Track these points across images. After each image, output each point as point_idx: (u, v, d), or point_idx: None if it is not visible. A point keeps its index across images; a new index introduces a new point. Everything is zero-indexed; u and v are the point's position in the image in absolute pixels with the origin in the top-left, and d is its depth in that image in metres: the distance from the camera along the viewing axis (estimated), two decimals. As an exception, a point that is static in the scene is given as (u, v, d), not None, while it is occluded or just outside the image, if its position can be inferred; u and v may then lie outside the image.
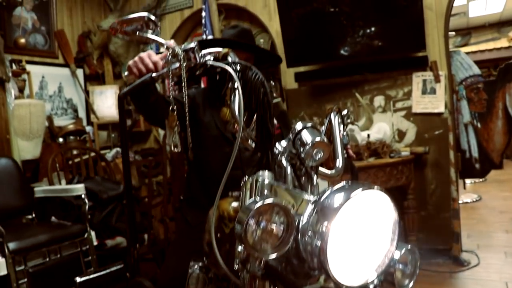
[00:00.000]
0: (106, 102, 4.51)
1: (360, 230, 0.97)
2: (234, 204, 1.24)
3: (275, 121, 2.14)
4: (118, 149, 4.14)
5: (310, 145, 1.32)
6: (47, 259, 2.68)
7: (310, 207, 0.96)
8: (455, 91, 3.73)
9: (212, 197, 1.14)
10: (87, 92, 4.51)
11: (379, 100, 3.66)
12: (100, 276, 2.71)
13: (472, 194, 5.66)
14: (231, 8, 4.24)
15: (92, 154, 3.74)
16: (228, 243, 1.14)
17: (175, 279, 1.69)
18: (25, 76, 3.84)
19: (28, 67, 3.95)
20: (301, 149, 1.33)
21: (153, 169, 3.92)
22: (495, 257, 3.45)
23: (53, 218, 3.07)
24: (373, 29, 3.48)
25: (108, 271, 2.77)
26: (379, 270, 1.01)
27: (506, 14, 8.16)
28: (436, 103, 3.47)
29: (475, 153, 3.76)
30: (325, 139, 1.34)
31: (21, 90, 3.70)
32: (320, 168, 1.40)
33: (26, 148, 3.61)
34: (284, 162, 1.33)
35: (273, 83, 3.95)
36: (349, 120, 1.94)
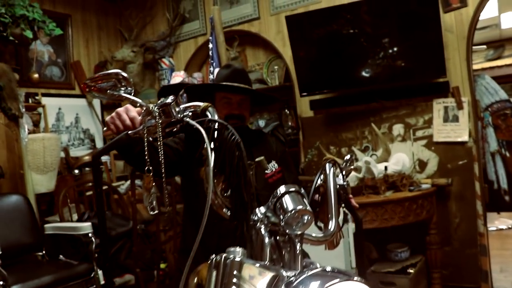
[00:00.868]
0: (123, 131, 4.50)
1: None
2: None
3: (275, 165, 2.03)
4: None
5: (291, 213, 1.21)
6: (52, 302, 2.64)
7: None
8: (480, 118, 3.52)
9: (207, 251, 1.08)
10: (103, 122, 4.52)
11: (398, 129, 3.48)
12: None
13: (507, 220, 5.31)
14: (245, 34, 4.18)
15: (105, 186, 3.71)
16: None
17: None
18: (40, 109, 3.87)
19: (44, 100, 3.98)
20: (281, 217, 1.21)
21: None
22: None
23: (61, 256, 3.03)
24: (390, 54, 3.32)
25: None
26: None
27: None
28: (459, 132, 3.27)
29: (504, 184, 3.51)
30: (308, 208, 1.22)
31: (36, 124, 3.73)
32: (307, 232, 1.27)
33: (40, 182, 3.62)
34: (262, 231, 1.21)
35: (288, 112, 3.83)
36: (352, 166, 1.81)
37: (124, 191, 3.90)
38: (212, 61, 3.11)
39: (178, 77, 3.54)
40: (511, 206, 3.66)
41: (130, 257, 3.15)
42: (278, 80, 4.00)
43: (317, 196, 1.49)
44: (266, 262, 1.14)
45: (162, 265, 3.47)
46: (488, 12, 5.66)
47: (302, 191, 1.27)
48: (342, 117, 3.70)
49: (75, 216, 3.48)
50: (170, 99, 1.30)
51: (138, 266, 3.06)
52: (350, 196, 1.70)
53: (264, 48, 4.17)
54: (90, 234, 2.93)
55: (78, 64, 4.36)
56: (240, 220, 1.17)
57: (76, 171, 4.02)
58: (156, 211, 1.36)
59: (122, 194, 3.79)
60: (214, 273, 1.08)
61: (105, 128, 1.56)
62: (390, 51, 3.32)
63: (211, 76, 3.17)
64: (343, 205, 1.62)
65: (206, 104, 1.37)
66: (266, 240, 1.19)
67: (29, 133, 3.58)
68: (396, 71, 3.34)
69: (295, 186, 1.27)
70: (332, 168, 1.52)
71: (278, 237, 1.25)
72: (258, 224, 1.22)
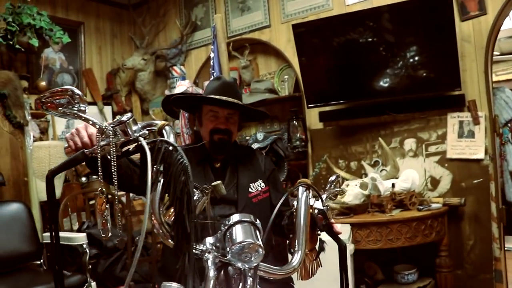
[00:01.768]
0: (134, 139, 4.48)
1: None
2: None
3: (262, 184, 1.91)
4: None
5: (238, 246, 1.10)
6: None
7: None
8: (499, 134, 3.29)
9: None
10: (115, 129, 4.50)
11: (409, 143, 3.30)
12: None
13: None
14: (256, 43, 4.08)
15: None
16: None
17: None
18: (49, 116, 3.88)
19: (54, 107, 3.99)
20: (228, 248, 1.10)
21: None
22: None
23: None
24: (402, 64, 3.15)
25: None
26: None
27: None
28: (475, 148, 3.06)
29: (523, 205, 3.27)
30: (258, 242, 1.10)
31: (43, 131, 3.74)
32: (262, 265, 1.15)
33: (45, 189, 3.61)
34: (209, 263, 1.11)
35: (296, 123, 3.70)
36: (338, 189, 1.67)
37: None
38: (212, 71, 3.02)
39: (182, 86, 3.46)
40: (531, 230, 3.40)
41: (126, 269, 3.09)
42: (288, 90, 3.88)
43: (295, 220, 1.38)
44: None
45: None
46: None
47: (258, 222, 1.16)
48: (352, 129, 3.55)
49: (77, 226, 3.46)
50: (126, 117, 1.24)
51: (134, 278, 2.99)
52: (332, 221, 1.56)
53: (276, 57, 4.06)
54: (84, 245, 2.89)
55: (90, 71, 4.37)
56: (183, 252, 1.07)
57: (83, 178, 4.01)
58: (107, 237, 1.28)
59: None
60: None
61: (66, 145, 1.51)
62: (402, 61, 3.15)
63: (211, 87, 3.08)
64: (318, 232, 1.50)
65: (163, 122, 1.32)
66: (211, 273, 1.09)
67: (35, 140, 3.58)
68: (408, 83, 3.16)
69: (249, 216, 1.16)
70: (305, 193, 1.40)
71: (227, 271, 1.14)
72: (206, 255, 1.12)
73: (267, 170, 1.99)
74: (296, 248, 1.23)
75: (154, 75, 4.43)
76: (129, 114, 1.22)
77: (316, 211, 1.46)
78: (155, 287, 1.86)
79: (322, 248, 1.49)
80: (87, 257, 2.86)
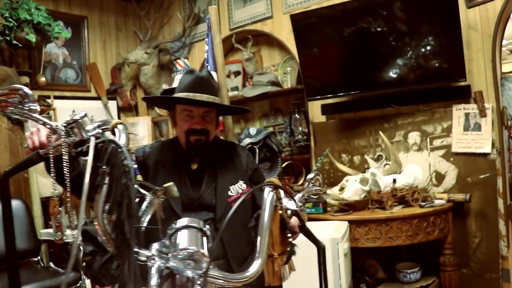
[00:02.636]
0: (139, 134, 4.46)
1: None
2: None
3: (243, 185, 1.82)
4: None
5: (180, 253, 1.03)
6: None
7: None
8: (508, 127, 3.12)
9: None
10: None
11: (414, 137, 3.17)
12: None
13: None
14: (259, 34, 3.98)
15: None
16: None
17: None
18: (51, 112, 3.88)
19: (58, 102, 3.99)
20: (170, 254, 1.04)
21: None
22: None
23: (51, 264, 3.00)
24: (406, 54, 3.01)
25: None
26: None
27: None
28: (481, 142, 2.91)
29: (534, 201, 3.10)
30: (202, 251, 1.04)
31: (44, 126, 3.73)
32: (215, 273, 1.07)
33: (46, 185, 3.62)
34: (153, 270, 1.04)
35: (298, 116, 3.60)
36: (317, 187, 1.59)
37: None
38: (207, 64, 2.94)
39: (178, 80, 3.40)
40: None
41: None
42: (290, 82, 3.78)
43: None
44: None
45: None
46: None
47: (207, 228, 1.10)
48: (355, 122, 3.43)
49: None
50: (78, 116, 1.20)
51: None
52: (299, 223, 1.46)
53: (280, 49, 3.95)
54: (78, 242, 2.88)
55: (94, 66, 4.35)
56: (123, 258, 1.01)
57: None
58: (59, 239, 1.24)
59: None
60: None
61: (26, 144, 1.49)
62: (406, 50, 3.00)
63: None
64: (289, 234, 1.41)
65: (116, 121, 1.26)
66: (153, 280, 1.02)
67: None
68: (412, 73, 3.01)
69: (198, 222, 1.09)
70: (270, 194, 1.30)
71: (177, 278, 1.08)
72: (151, 261, 1.06)
73: (249, 169, 1.88)
74: (256, 255, 1.15)
75: (158, 68, 4.38)
76: (82, 113, 1.19)
77: (289, 212, 1.38)
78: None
79: (292, 252, 1.41)
80: (81, 254, 2.85)
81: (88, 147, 1.19)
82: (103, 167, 1.05)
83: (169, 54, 4.38)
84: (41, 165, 3.59)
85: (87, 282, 2.81)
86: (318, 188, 1.56)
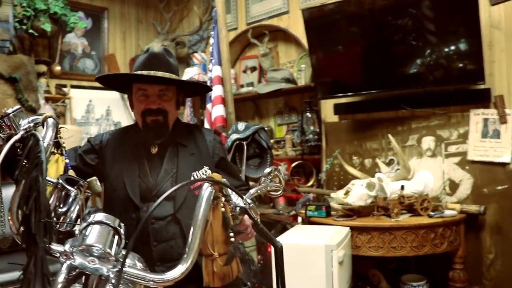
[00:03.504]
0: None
1: None
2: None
3: (208, 171, 1.69)
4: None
5: (84, 248, 0.97)
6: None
7: None
8: (530, 135, 2.88)
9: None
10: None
11: (428, 142, 2.99)
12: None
13: None
14: (276, 30, 3.87)
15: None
16: None
17: None
18: (67, 101, 3.92)
19: (75, 92, 4.03)
20: (74, 249, 0.98)
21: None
22: None
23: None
24: (422, 54, 2.83)
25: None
26: None
27: None
28: (500, 150, 2.70)
29: (556, 217, 2.86)
30: (108, 250, 0.97)
31: (59, 115, 3.77)
32: (133, 273, 0.99)
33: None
34: (64, 267, 0.99)
35: (310, 115, 3.47)
36: (276, 183, 1.45)
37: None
38: (211, 58, 2.87)
39: (188, 74, 3.32)
40: None
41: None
42: (304, 79, 3.65)
43: None
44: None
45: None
46: None
47: (122, 227, 1.02)
48: (367, 124, 3.27)
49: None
50: (11, 109, 1.16)
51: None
52: (251, 222, 1.34)
53: (296, 45, 3.83)
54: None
55: (112, 57, 4.36)
56: (31, 254, 0.95)
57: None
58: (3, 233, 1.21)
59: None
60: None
61: None
62: (421, 54, 2.82)
63: (209, 75, 2.91)
64: (231, 233, 1.29)
65: (46, 114, 1.22)
66: (60, 277, 0.96)
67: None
68: (428, 74, 2.83)
69: (114, 220, 1.02)
70: (208, 190, 1.16)
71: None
72: (62, 258, 0.99)
73: (215, 155, 1.76)
74: (185, 255, 1.04)
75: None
76: (15, 107, 1.14)
77: (237, 209, 1.26)
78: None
79: (234, 252, 1.29)
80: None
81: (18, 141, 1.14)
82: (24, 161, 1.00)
83: (187, 47, 4.33)
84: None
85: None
86: (276, 184, 1.43)
